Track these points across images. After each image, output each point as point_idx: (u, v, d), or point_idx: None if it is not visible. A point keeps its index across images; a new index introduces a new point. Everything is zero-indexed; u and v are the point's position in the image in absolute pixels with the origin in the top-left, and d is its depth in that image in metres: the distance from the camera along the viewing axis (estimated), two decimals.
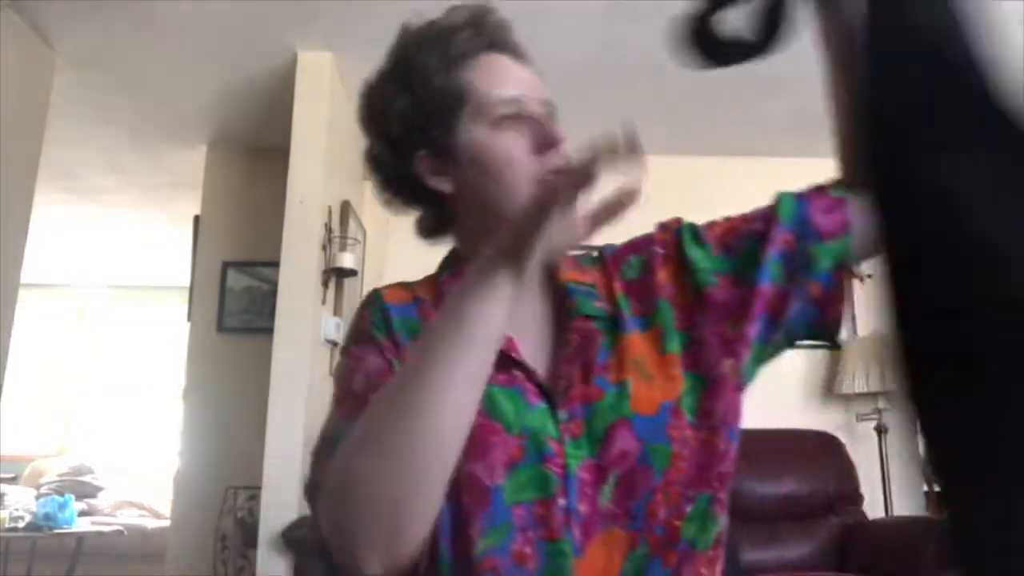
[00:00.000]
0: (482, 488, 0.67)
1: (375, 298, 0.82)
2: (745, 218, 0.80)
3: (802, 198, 0.80)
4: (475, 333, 0.60)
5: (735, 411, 0.74)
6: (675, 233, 0.82)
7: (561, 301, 0.80)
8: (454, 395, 0.60)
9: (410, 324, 0.78)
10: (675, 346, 0.75)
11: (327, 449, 0.69)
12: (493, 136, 0.76)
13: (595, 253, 0.87)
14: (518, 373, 0.73)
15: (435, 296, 0.81)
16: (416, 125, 0.79)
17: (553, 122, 0.77)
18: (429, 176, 0.80)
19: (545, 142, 0.75)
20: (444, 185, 0.79)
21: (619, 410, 0.70)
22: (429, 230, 0.85)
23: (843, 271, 0.75)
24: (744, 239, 0.78)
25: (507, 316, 0.61)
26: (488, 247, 0.62)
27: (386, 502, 0.59)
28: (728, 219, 0.81)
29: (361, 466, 0.60)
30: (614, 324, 0.77)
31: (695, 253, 0.79)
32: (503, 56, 0.80)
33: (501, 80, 0.78)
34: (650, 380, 0.73)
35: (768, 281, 0.74)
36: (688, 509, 0.70)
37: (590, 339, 0.76)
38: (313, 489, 0.68)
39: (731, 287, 0.76)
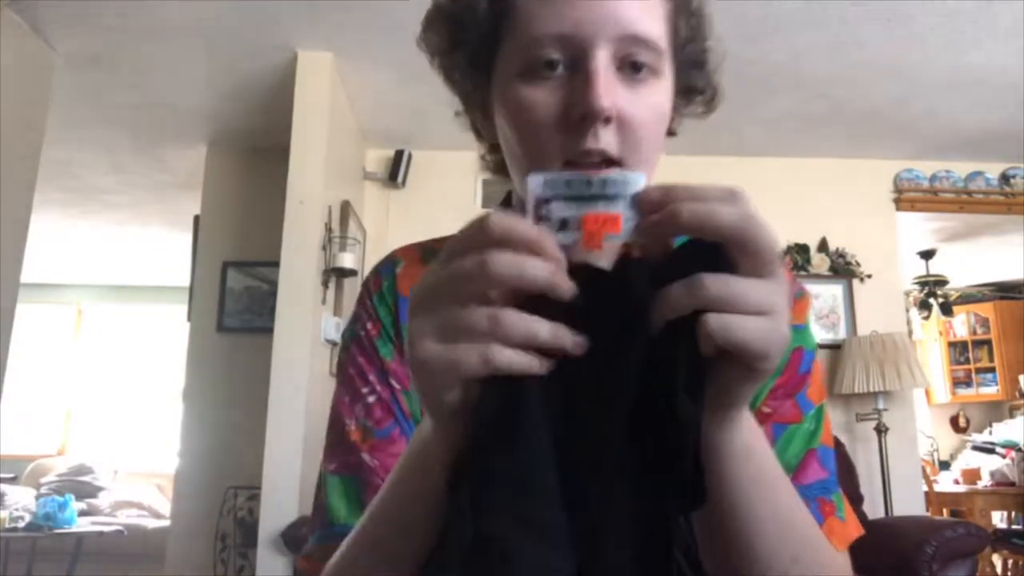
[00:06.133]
0: None
1: (384, 268, 0.71)
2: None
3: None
4: (405, 516, 0.51)
5: None
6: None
7: None
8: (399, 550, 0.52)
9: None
10: None
11: (319, 518, 0.65)
12: (519, 88, 0.57)
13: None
14: None
15: None
16: (460, 49, 0.63)
17: (601, 79, 0.54)
18: (478, 113, 0.66)
19: (576, 109, 0.54)
20: (493, 127, 0.64)
21: None
22: (493, 167, 0.69)
23: None
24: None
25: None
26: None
27: None
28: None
29: None
30: None
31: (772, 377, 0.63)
32: None
33: (553, 7, 0.56)
34: None
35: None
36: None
37: None
38: (305, 549, 0.66)
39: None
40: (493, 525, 0.41)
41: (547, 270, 0.40)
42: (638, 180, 0.43)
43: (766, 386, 0.64)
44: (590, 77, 0.54)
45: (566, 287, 0.41)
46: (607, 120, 0.54)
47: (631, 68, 0.56)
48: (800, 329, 0.66)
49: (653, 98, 0.57)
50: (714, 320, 0.40)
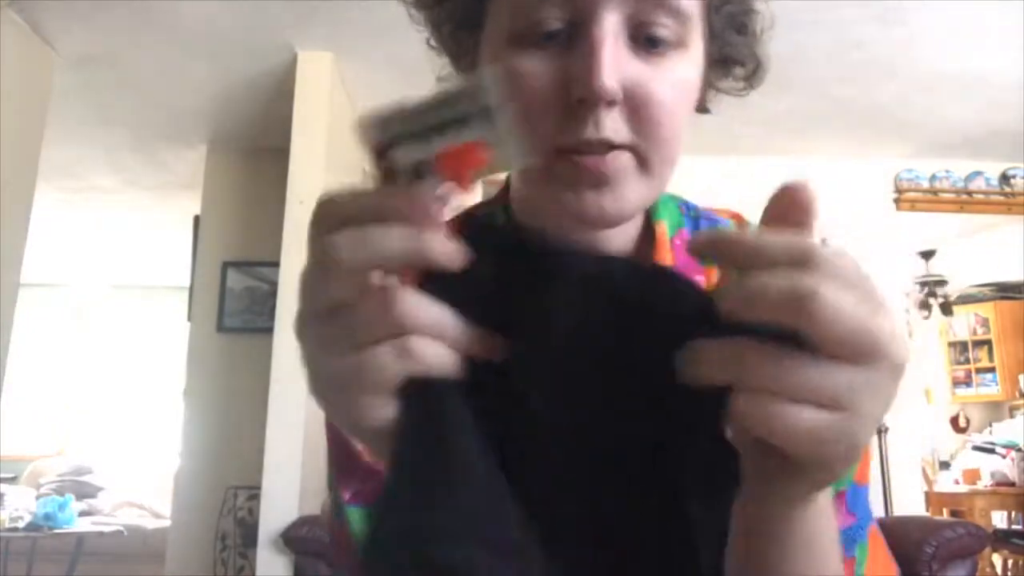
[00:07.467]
0: None
1: None
2: None
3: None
4: None
5: None
6: None
7: None
8: None
9: None
10: None
11: (345, 553, 0.56)
12: (508, 56, 0.47)
13: (733, 227, 0.58)
14: None
15: None
16: (445, 2, 0.53)
17: (606, 51, 0.43)
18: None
19: (574, 89, 0.44)
20: None
21: None
22: None
23: None
24: None
25: None
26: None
27: None
28: None
29: None
30: None
31: None
32: None
33: None
34: None
35: None
36: None
37: None
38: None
39: None
40: (454, 554, 0.31)
41: (405, 235, 0.32)
42: (487, 83, 0.33)
43: None
44: (591, 48, 0.43)
45: (442, 250, 0.32)
46: (611, 103, 0.44)
47: (647, 42, 0.46)
48: None
49: (676, 73, 0.47)
50: (744, 404, 0.30)
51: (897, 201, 3.93)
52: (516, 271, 0.34)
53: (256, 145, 3.75)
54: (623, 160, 0.46)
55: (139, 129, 3.67)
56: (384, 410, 0.34)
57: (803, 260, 0.29)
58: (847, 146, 3.81)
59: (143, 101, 3.38)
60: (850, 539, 0.52)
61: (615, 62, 0.43)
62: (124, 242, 5.38)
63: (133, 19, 2.74)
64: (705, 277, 0.54)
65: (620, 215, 0.47)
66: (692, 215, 0.60)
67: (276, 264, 2.87)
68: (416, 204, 0.32)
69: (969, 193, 3.97)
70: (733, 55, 0.53)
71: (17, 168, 2.70)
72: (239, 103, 3.38)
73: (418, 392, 0.33)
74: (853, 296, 0.29)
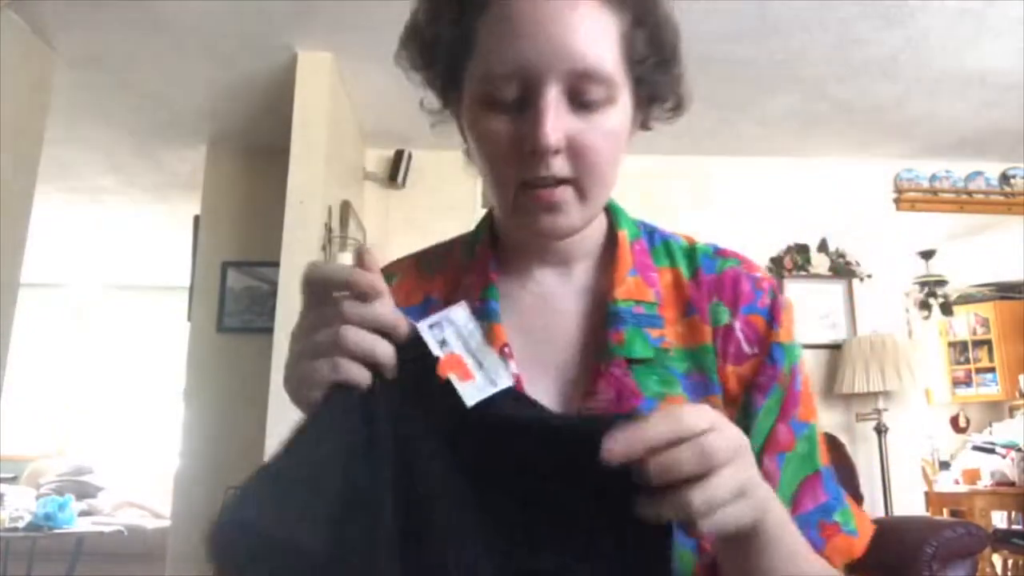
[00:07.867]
0: None
1: None
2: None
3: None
4: None
5: None
6: (772, 353, 0.66)
7: (605, 324, 0.65)
8: None
9: None
10: None
11: None
12: (479, 116, 0.62)
13: (684, 244, 0.72)
14: None
15: (450, 290, 0.70)
16: (433, 67, 0.67)
17: (549, 115, 0.58)
18: (457, 121, 0.70)
19: (527, 143, 0.59)
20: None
21: None
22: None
23: None
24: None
25: None
26: None
27: None
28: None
29: None
30: (665, 374, 0.64)
31: (767, 409, 0.64)
32: None
33: (506, 39, 0.59)
34: None
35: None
36: None
37: (626, 396, 0.62)
38: None
39: None
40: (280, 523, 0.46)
41: (388, 317, 0.51)
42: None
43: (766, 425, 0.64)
44: (538, 114, 0.58)
45: (402, 328, 0.51)
46: (556, 152, 0.59)
47: (582, 104, 0.60)
48: (790, 347, 0.67)
49: (607, 124, 0.61)
50: (702, 523, 0.45)
51: (897, 201, 3.93)
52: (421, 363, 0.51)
53: (256, 145, 3.75)
54: (567, 193, 0.61)
55: (139, 129, 3.67)
56: (315, 395, 0.51)
57: (692, 432, 0.45)
58: (847, 146, 3.80)
59: (143, 101, 3.38)
60: (829, 510, 0.64)
61: (556, 122, 0.58)
62: (124, 242, 5.38)
63: (133, 19, 2.74)
64: (659, 275, 0.69)
65: (569, 231, 0.64)
66: (647, 231, 0.73)
67: (276, 264, 2.87)
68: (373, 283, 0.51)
69: (969, 193, 3.97)
70: (660, 95, 0.67)
71: (17, 168, 2.70)
72: (239, 103, 3.38)
73: (329, 395, 0.50)
74: (720, 433, 0.46)
